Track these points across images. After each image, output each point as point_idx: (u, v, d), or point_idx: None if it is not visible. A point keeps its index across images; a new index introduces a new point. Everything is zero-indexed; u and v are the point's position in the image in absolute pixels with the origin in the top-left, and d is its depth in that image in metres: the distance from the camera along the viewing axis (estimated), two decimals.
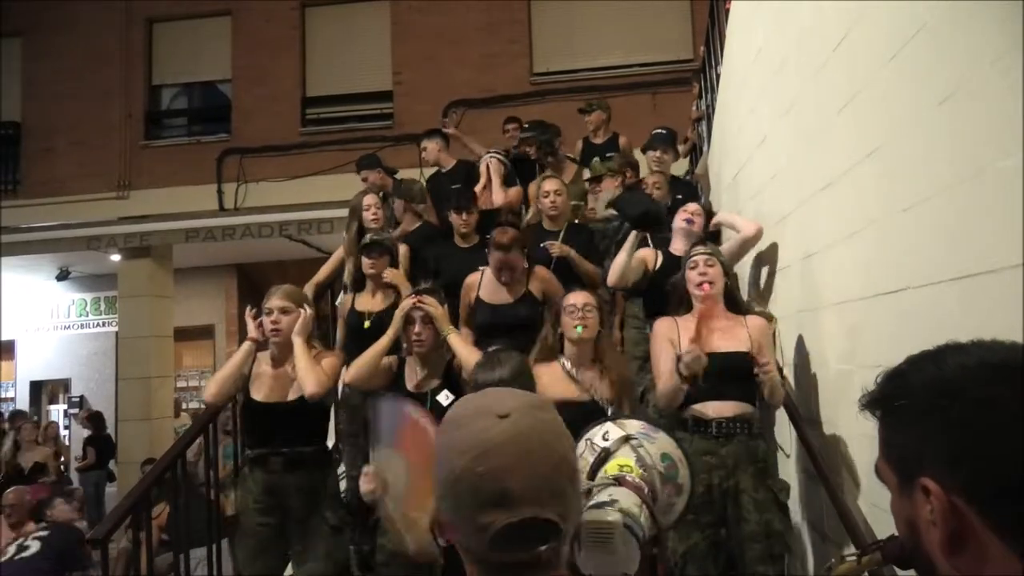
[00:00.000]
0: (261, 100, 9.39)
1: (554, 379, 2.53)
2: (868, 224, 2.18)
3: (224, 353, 10.84)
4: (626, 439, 1.51)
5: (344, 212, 7.67)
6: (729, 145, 4.20)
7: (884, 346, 2.04)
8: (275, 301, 2.92)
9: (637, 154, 5.34)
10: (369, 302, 3.59)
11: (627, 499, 1.29)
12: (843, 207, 2.37)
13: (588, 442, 1.55)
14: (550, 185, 3.85)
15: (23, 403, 10.97)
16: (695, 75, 6.03)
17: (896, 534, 1.92)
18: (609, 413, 2.31)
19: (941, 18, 1.73)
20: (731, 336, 2.58)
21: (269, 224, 8.47)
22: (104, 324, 11.08)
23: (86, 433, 8.85)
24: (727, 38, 4.21)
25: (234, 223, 8.63)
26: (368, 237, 3.66)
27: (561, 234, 3.75)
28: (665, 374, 2.55)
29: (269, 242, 8.80)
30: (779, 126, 3.13)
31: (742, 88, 3.84)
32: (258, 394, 2.83)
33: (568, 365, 2.59)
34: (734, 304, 2.73)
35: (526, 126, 5.13)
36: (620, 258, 3.21)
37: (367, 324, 3.45)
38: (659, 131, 4.77)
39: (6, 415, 9.58)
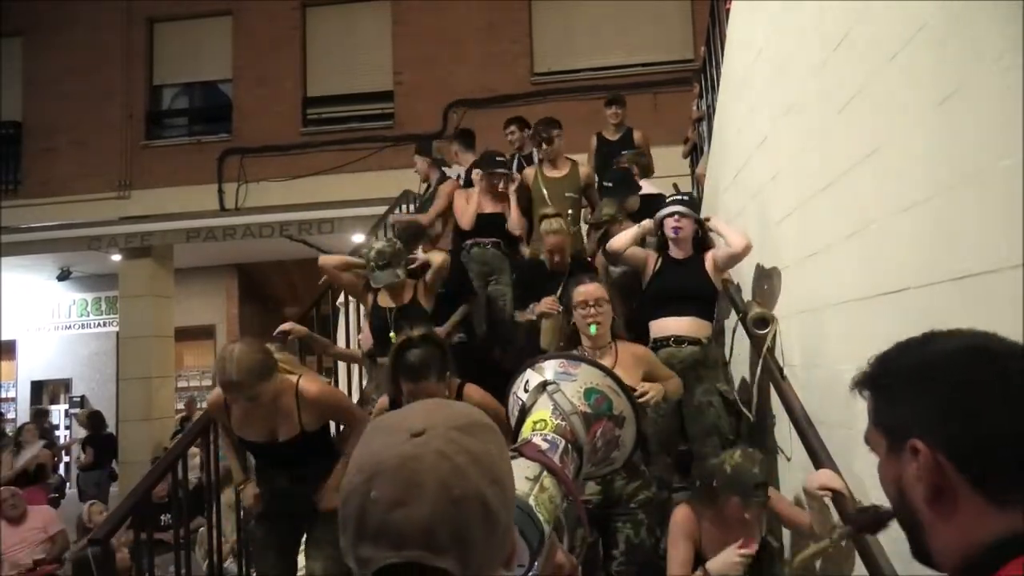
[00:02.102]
0: (262, 100, 9.40)
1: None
2: (868, 224, 2.18)
3: None
4: (543, 386, 1.36)
5: (346, 212, 7.68)
6: (730, 145, 4.20)
7: (885, 346, 2.04)
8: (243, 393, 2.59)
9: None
10: (387, 299, 3.59)
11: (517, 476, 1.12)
12: (844, 207, 2.37)
13: (514, 396, 1.42)
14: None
15: (24, 403, 10.98)
16: (696, 75, 6.03)
17: (862, 507, 1.94)
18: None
19: (941, 18, 1.73)
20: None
21: (270, 224, 8.47)
22: (105, 324, 11.09)
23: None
24: (728, 38, 4.21)
25: (235, 223, 8.64)
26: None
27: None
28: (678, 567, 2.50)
29: (270, 242, 8.81)
30: (779, 126, 3.13)
31: (743, 88, 3.84)
32: (248, 434, 2.74)
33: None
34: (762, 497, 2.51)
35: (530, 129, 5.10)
36: (631, 231, 3.28)
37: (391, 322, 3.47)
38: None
39: (7, 415, 9.60)
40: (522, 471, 1.01)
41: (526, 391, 1.36)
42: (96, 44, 9.72)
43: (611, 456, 1.37)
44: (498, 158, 4.57)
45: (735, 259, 3.27)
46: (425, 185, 5.37)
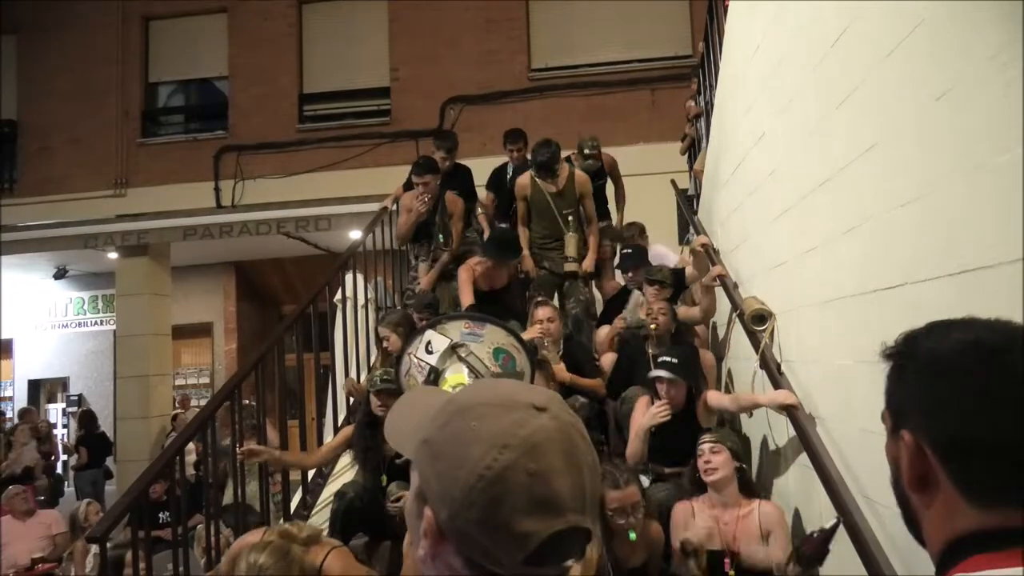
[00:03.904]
0: (258, 97, 9.38)
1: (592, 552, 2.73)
2: (867, 219, 2.17)
3: (223, 351, 10.84)
4: (453, 349, 1.33)
5: (343, 209, 7.69)
6: (728, 141, 4.20)
7: (883, 341, 2.04)
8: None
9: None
10: None
11: None
12: (842, 203, 2.37)
13: (411, 358, 1.38)
14: (542, 313, 3.93)
15: (22, 403, 10.95)
16: (694, 71, 6.02)
17: (807, 536, 1.96)
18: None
19: (939, 14, 1.72)
20: (746, 531, 2.73)
21: (267, 221, 8.46)
22: (102, 323, 11.07)
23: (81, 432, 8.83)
24: (726, 34, 4.20)
25: (231, 220, 8.62)
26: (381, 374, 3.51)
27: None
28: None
29: (267, 239, 8.80)
30: (777, 122, 3.12)
31: (741, 84, 3.84)
32: None
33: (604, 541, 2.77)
34: (750, 488, 2.87)
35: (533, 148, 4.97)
36: (637, 441, 3.28)
37: None
38: (627, 251, 4.80)
39: (7, 414, 9.58)
40: None
41: (428, 352, 1.32)
42: (91, 42, 9.69)
43: None
44: (509, 242, 4.48)
45: (702, 320, 3.36)
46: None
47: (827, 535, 2.21)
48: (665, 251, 5.15)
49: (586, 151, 5.17)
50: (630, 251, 4.79)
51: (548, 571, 0.66)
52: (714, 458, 2.82)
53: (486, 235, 4.94)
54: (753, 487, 2.94)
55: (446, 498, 0.67)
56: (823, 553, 2.23)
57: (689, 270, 4.26)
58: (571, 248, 4.59)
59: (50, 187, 9.36)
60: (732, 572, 2.72)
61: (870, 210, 2.14)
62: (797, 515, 2.96)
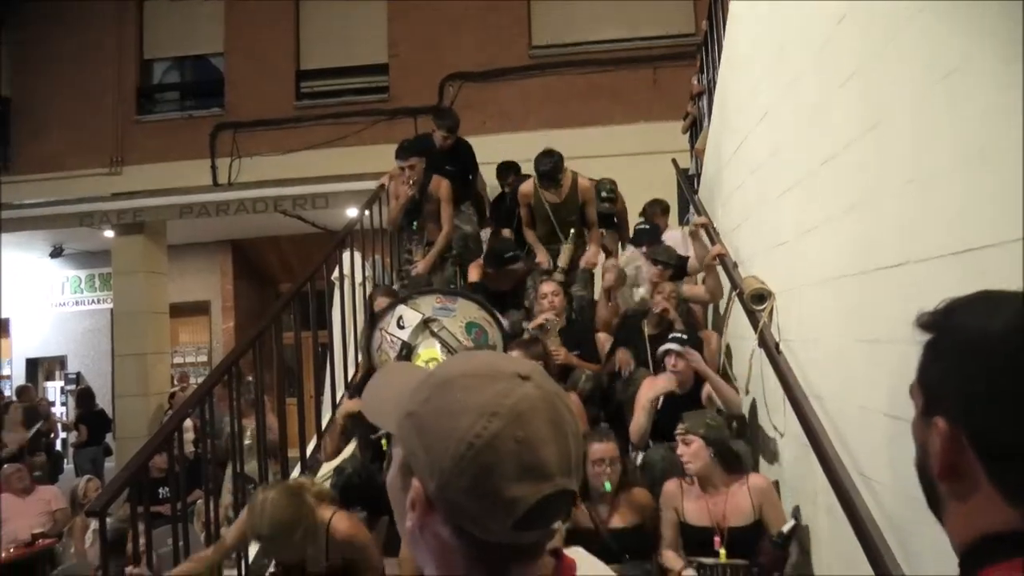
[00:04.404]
0: (254, 73, 9.29)
1: (578, 512, 2.87)
2: (869, 198, 2.16)
3: (221, 330, 10.84)
4: (425, 324, 1.32)
5: (340, 187, 7.68)
6: (730, 120, 4.17)
7: (883, 321, 2.04)
8: None
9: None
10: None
11: None
12: (844, 181, 2.36)
13: (383, 333, 1.36)
14: (546, 288, 4.05)
15: (19, 381, 10.95)
16: (697, 49, 5.96)
17: (762, 544, 1.94)
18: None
19: None
20: (736, 506, 2.80)
21: (263, 199, 8.39)
22: (99, 301, 11.04)
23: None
24: (729, 13, 4.15)
25: (228, 198, 8.56)
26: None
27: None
28: (667, 542, 2.87)
29: (264, 218, 8.75)
30: (781, 101, 3.10)
31: (744, 63, 3.80)
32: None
33: (591, 501, 2.92)
34: (732, 464, 2.90)
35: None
36: (640, 420, 3.34)
37: None
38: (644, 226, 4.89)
39: (5, 392, 9.58)
40: None
41: (400, 327, 1.31)
42: (85, 18, 9.56)
43: None
44: (507, 255, 4.48)
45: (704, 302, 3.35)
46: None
47: (784, 540, 2.23)
48: (678, 238, 5.17)
49: (603, 194, 5.16)
50: (647, 227, 4.80)
51: (535, 535, 0.69)
52: (686, 451, 2.86)
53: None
54: (740, 464, 2.94)
55: (435, 469, 0.67)
56: (781, 560, 2.26)
57: (692, 261, 4.28)
58: (564, 258, 4.54)
59: (45, 165, 9.28)
60: (723, 550, 2.75)
61: (872, 189, 2.13)
62: (793, 492, 2.98)
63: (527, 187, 4.74)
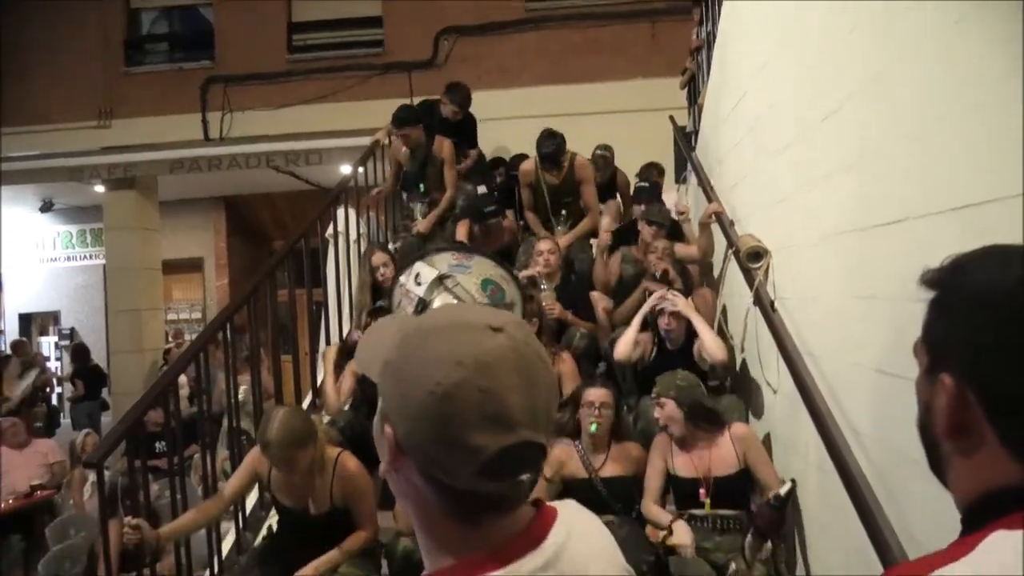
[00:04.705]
0: (245, 25, 9.06)
1: (569, 458, 2.97)
2: (869, 153, 2.14)
3: (214, 287, 10.82)
4: (440, 280, 1.32)
5: (334, 143, 7.59)
6: (729, 75, 4.10)
7: (881, 277, 2.03)
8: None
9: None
10: None
11: None
12: (844, 137, 2.33)
13: (402, 289, 1.38)
14: (543, 245, 4.09)
15: (13, 336, 10.96)
16: (695, 2, 5.84)
17: (759, 507, 1.94)
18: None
19: None
20: (720, 457, 2.85)
21: (256, 155, 8.29)
22: (91, 257, 10.98)
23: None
24: None
25: (220, 153, 8.45)
26: (379, 303, 3.85)
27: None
28: (651, 492, 2.92)
29: (256, 173, 8.65)
30: (779, 54, 3.04)
31: (744, 16, 3.72)
32: (282, 497, 2.79)
33: (582, 448, 3.00)
34: (708, 419, 2.92)
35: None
36: (630, 333, 3.47)
37: None
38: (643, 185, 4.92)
39: (1, 347, 9.59)
40: None
41: (417, 284, 1.31)
42: None
43: None
44: (487, 209, 4.54)
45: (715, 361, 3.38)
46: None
47: (781, 503, 2.26)
48: (673, 200, 5.18)
49: (597, 152, 5.24)
50: (646, 185, 4.80)
51: (501, 484, 0.70)
52: (661, 413, 2.92)
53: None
54: (717, 418, 2.97)
55: (403, 415, 0.71)
56: (779, 522, 2.29)
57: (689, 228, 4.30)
58: (564, 241, 4.54)
59: (32, 117, 9.09)
60: (707, 501, 2.80)
61: (873, 143, 2.10)
62: (783, 448, 3.02)
63: (529, 165, 4.71)
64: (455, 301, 1.20)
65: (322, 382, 3.92)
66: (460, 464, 0.68)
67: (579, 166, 4.65)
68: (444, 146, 4.84)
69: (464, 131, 5.38)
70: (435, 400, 0.68)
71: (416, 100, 5.90)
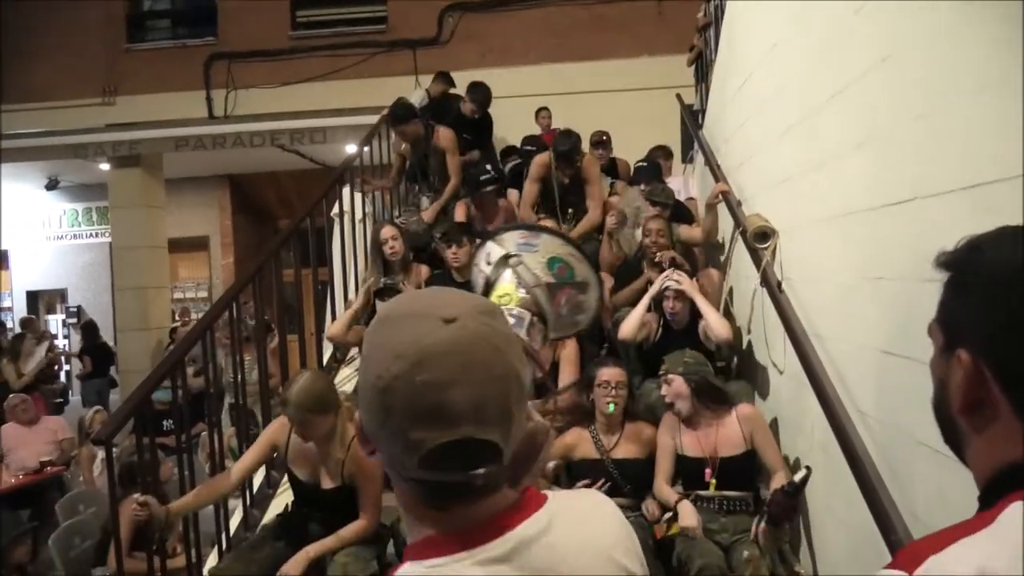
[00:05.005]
0: (248, 1, 8.97)
1: (580, 439, 3.00)
2: (877, 133, 2.11)
3: (220, 265, 10.83)
4: (505, 259, 1.27)
5: (338, 121, 7.55)
6: (737, 53, 4.05)
7: (889, 258, 2.02)
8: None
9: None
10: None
11: None
12: (853, 116, 2.30)
13: (476, 269, 1.38)
14: (545, 223, 4.08)
15: (21, 313, 11.01)
16: None
17: (771, 493, 1.94)
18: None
19: None
20: (726, 437, 2.85)
21: (260, 133, 8.24)
22: (97, 235, 10.99)
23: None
24: None
25: (224, 131, 8.41)
26: (383, 282, 3.92)
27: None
28: (661, 472, 2.91)
29: (261, 152, 8.61)
30: (789, 32, 3.00)
31: None
32: (297, 469, 2.79)
33: (595, 429, 3.02)
34: (716, 398, 2.91)
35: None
36: (636, 315, 3.46)
37: None
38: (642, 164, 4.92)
39: (7, 324, 9.63)
40: None
41: (488, 264, 1.31)
42: None
43: (576, 319, 1.34)
44: (483, 177, 4.59)
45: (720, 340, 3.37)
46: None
47: (796, 490, 2.25)
48: (680, 183, 5.13)
49: (595, 139, 5.28)
50: (644, 164, 4.77)
51: (451, 477, 0.69)
52: (668, 390, 2.91)
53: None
54: (725, 397, 2.97)
55: (360, 404, 0.73)
56: (792, 509, 2.28)
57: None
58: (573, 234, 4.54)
59: (35, 94, 9.06)
60: (713, 481, 2.80)
61: (882, 123, 2.08)
62: (789, 429, 3.03)
63: (544, 158, 4.69)
64: (516, 280, 1.19)
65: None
66: (405, 455, 0.69)
67: (587, 165, 4.65)
68: (443, 136, 4.83)
69: (480, 129, 5.44)
70: (377, 393, 0.69)
71: (421, 79, 5.86)
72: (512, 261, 1.25)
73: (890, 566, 0.65)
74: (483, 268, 1.32)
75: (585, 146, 4.93)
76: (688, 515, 2.71)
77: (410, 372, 0.67)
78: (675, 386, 2.89)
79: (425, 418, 0.67)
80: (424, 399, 0.67)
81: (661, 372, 2.96)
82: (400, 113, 4.85)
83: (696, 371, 2.91)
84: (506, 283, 1.24)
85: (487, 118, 5.58)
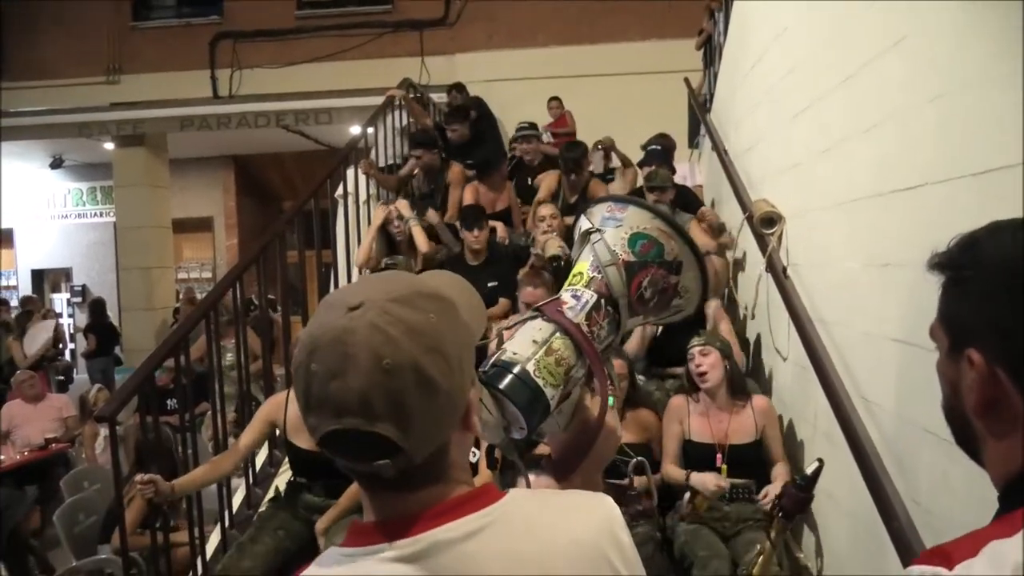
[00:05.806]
0: None
1: None
2: (887, 118, 2.09)
3: (224, 246, 10.85)
4: (586, 235, 1.16)
5: (343, 102, 7.50)
6: (747, 37, 4.01)
7: (897, 244, 2.00)
8: None
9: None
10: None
11: (521, 340, 0.99)
12: (862, 102, 2.27)
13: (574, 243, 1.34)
14: (544, 211, 4.07)
15: (26, 292, 11.05)
16: None
17: (785, 487, 1.91)
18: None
19: None
20: (739, 425, 2.84)
21: (265, 113, 8.22)
22: (102, 214, 11.01)
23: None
24: None
25: (229, 111, 8.39)
26: (383, 262, 3.93)
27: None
28: (669, 456, 2.90)
29: (266, 133, 8.59)
30: (800, 16, 2.96)
31: None
32: (298, 439, 2.82)
33: None
34: (738, 385, 2.91)
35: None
36: (636, 337, 3.43)
37: None
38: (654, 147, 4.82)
39: (11, 303, 9.67)
40: (531, 334, 0.98)
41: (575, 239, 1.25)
42: None
43: (673, 304, 1.20)
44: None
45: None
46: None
47: (808, 483, 2.25)
48: (686, 173, 5.09)
49: (598, 147, 5.26)
50: (657, 148, 4.71)
51: (346, 465, 0.70)
52: (704, 361, 2.87)
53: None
54: (745, 388, 2.97)
55: None
56: (805, 502, 2.28)
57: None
58: (552, 247, 4.40)
59: (40, 72, 9.03)
60: (724, 466, 2.81)
61: (892, 108, 2.05)
62: (792, 415, 3.02)
63: (554, 177, 4.69)
64: (591, 259, 1.13)
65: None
66: (311, 437, 0.70)
67: (592, 190, 4.62)
68: (453, 172, 4.81)
69: (476, 141, 5.14)
70: (293, 378, 0.73)
71: (427, 60, 5.80)
72: (593, 237, 1.16)
73: (919, 563, 0.63)
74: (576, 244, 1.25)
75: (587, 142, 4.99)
76: (706, 481, 2.70)
77: (305, 360, 0.68)
78: (711, 359, 2.87)
79: (315, 406, 0.68)
80: (311, 387, 0.68)
81: (697, 343, 2.91)
82: (420, 139, 4.85)
83: (729, 352, 2.93)
84: (583, 261, 1.16)
85: (484, 119, 5.43)
